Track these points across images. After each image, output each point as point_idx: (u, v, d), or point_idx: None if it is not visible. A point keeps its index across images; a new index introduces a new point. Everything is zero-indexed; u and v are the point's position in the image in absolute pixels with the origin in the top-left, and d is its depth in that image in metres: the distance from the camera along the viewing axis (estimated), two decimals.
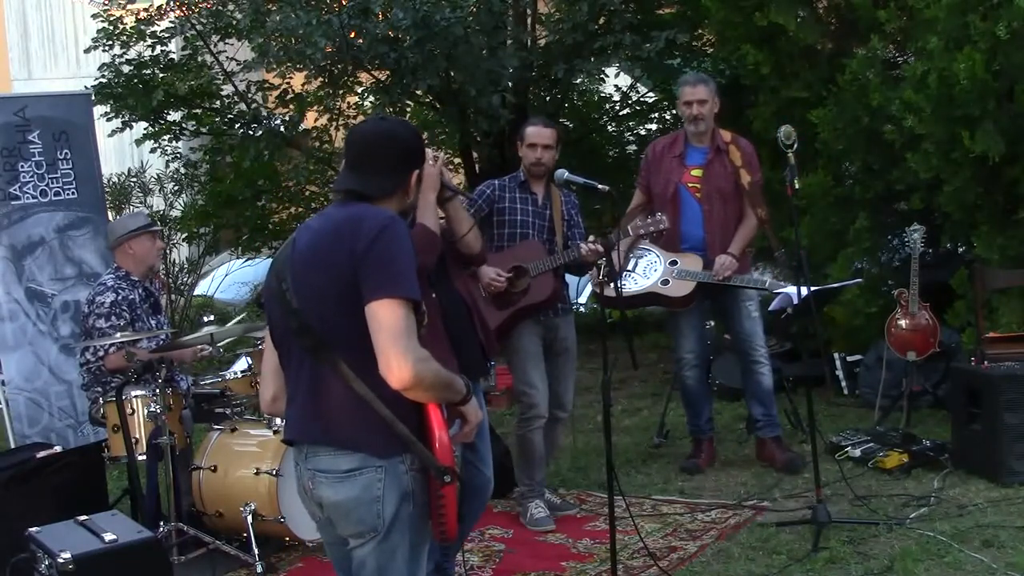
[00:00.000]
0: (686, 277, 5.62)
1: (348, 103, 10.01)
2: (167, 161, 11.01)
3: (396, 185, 2.90)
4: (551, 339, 5.31)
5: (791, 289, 5.16)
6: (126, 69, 9.74)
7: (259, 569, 4.76)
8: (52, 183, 6.66)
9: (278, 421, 4.89)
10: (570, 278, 5.67)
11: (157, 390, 4.98)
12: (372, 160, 2.90)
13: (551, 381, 5.33)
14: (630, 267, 5.68)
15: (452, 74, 8.60)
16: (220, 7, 9.48)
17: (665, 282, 5.65)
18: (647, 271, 5.71)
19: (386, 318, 2.64)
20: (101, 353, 5.31)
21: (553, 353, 5.33)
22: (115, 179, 11.08)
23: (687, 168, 5.77)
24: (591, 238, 5.15)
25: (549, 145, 5.24)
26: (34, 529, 4.02)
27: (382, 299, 2.65)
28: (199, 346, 5.42)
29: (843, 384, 7.31)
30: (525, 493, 5.35)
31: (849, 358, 7.32)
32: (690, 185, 5.75)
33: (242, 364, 5.67)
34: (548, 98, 9.74)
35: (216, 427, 5.29)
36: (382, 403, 2.69)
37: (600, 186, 4.80)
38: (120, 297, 5.33)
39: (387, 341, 2.62)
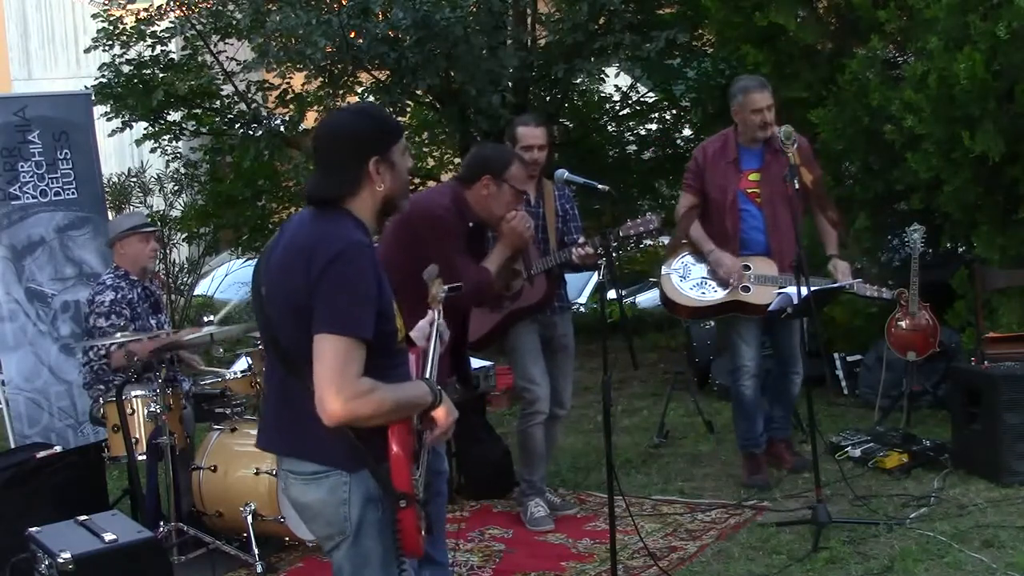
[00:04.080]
0: (769, 282, 5.41)
1: (348, 103, 10.01)
2: (167, 161, 11.02)
3: (353, 181, 2.79)
4: (549, 336, 5.29)
5: (791, 289, 5.16)
6: (126, 69, 9.75)
7: (259, 569, 4.76)
8: (52, 183, 6.66)
9: None
10: (570, 277, 5.65)
11: (157, 390, 4.99)
12: (326, 159, 2.84)
13: (550, 379, 5.33)
14: (705, 274, 5.54)
15: (452, 74, 8.60)
16: (220, 7, 9.48)
17: (745, 289, 5.45)
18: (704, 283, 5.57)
19: (324, 354, 2.62)
20: (103, 352, 5.32)
21: (551, 350, 5.31)
22: (115, 179, 11.10)
23: (743, 173, 5.49)
24: (580, 240, 5.11)
25: (543, 145, 5.17)
26: (34, 529, 4.02)
27: (323, 334, 2.63)
28: (199, 348, 5.43)
29: (843, 384, 7.30)
30: (525, 491, 5.35)
31: (849, 358, 7.31)
32: (749, 191, 5.48)
33: (242, 364, 5.67)
34: (548, 98, 9.74)
35: (216, 427, 5.28)
36: None
37: (600, 186, 4.79)
38: (119, 296, 5.35)
39: (321, 377, 2.62)
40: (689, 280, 5.60)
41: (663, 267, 5.72)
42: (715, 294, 5.53)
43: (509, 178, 4.32)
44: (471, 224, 4.36)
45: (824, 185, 5.71)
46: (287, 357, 2.75)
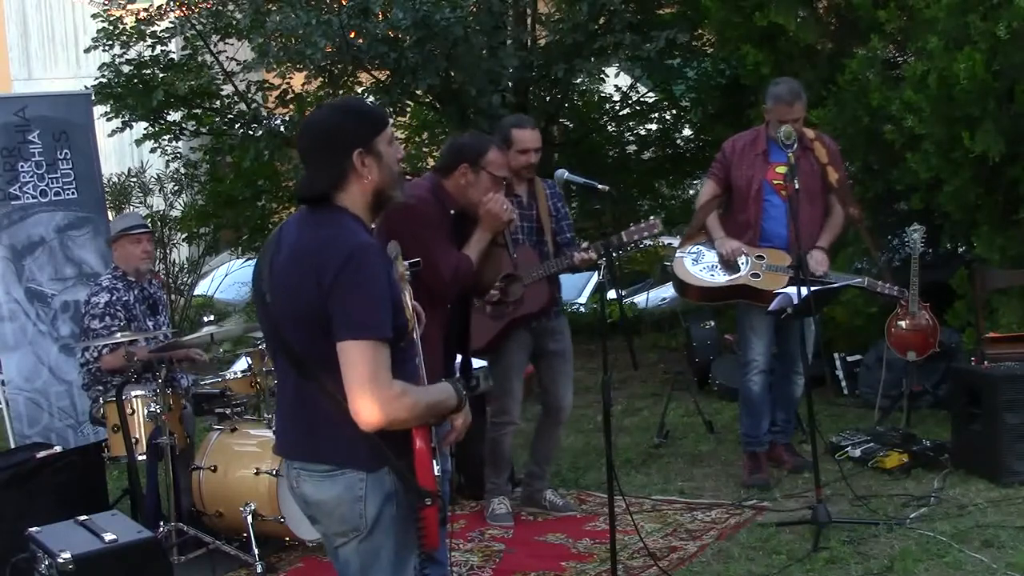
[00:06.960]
0: (779, 271, 5.42)
1: None
2: (167, 161, 11.02)
3: (339, 176, 2.74)
4: (545, 343, 5.30)
5: (791, 289, 5.16)
6: (126, 69, 9.74)
7: (259, 569, 4.76)
8: (52, 183, 6.66)
9: None
10: (570, 277, 5.66)
11: (157, 390, 4.99)
12: (311, 157, 2.81)
13: (549, 383, 5.34)
14: (714, 259, 5.59)
15: (452, 74, 8.60)
16: (220, 7, 9.48)
17: (755, 275, 5.49)
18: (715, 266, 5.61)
19: (353, 361, 2.58)
20: (97, 354, 5.32)
21: (548, 355, 5.33)
22: (115, 179, 11.09)
23: (771, 165, 5.52)
24: (584, 244, 5.11)
25: (539, 148, 5.16)
26: (34, 529, 4.02)
27: (348, 340, 2.60)
28: (196, 348, 5.42)
29: (843, 384, 7.31)
30: (491, 490, 5.45)
31: (849, 358, 7.31)
32: (775, 182, 5.49)
33: (242, 364, 5.68)
34: (548, 98, 9.74)
35: (216, 427, 5.28)
36: None
37: (600, 186, 4.78)
38: (114, 298, 5.36)
39: (355, 385, 2.58)
40: (701, 264, 5.65)
41: (677, 251, 5.80)
42: (724, 278, 5.56)
43: (486, 165, 4.30)
44: (455, 212, 4.35)
45: (848, 186, 5.72)
46: (301, 363, 2.70)
